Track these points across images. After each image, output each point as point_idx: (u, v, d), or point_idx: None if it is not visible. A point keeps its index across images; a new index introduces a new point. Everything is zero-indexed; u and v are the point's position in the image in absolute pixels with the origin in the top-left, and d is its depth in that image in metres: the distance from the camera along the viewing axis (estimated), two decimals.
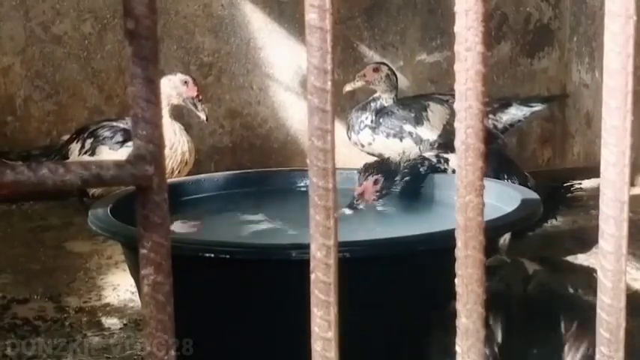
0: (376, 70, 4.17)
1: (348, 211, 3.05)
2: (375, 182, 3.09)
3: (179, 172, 3.72)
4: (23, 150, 4.13)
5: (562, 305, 1.47)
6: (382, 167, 3.16)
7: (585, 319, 1.43)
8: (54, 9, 4.67)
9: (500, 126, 4.20)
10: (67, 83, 4.73)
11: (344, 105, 4.49)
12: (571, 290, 1.57)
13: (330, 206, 0.66)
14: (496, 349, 1.43)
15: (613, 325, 0.69)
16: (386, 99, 4.16)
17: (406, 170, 3.17)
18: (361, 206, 3.09)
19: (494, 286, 1.54)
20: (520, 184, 3.22)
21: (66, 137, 4.03)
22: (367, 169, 3.13)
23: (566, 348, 1.41)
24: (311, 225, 0.66)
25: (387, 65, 4.29)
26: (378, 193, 3.10)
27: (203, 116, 3.80)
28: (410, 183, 3.16)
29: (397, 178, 3.14)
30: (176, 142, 3.70)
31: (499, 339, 1.43)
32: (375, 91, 4.20)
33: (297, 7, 4.74)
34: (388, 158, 3.28)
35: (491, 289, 1.62)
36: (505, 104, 4.28)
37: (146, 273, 0.63)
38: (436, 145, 3.46)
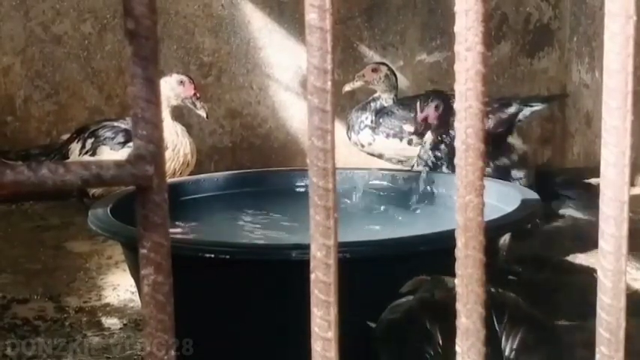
0: (375, 70, 4.17)
1: (416, 138, 3.18)
2: (437, 107, 3.22)
3: (181, 173, 3.72)
4: (22, 149, 4.12)
5: (491, 302, 1.59)
6: (443, 97, 3.30)
7: (514, 311, 1.53)
8: (54, 9, 4.67)
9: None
10: (67, 83, 4.73)
11: (344, 105, 4.49)
12: (493, 289, 1.67)
13: (330, 206, 0.66)
14: (438, 347, 1.51)
15: (613, 325, 0.69)
16: (386, 99, 4.16)
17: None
18: (424, 130, 3.24)
19: (421, 296, 1.66)
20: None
21: (66, 137, 4.02)
22: (428, 96, 3.28)
23: (503, 336, 1.51)
24: (311, 225, 0.66)
25: (387, 65, 4.28)
26: (440, 119, 3.21)
27: (203, 114, 3.80)
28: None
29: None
30: (178, 144, 3.70)
31: (439, 339, 1.51)
32: (375, 91, 4.20)
33: (297, 7, 4.74)
34: (444, 92, 3.41)
35: (419, 299, 1.68)
36: (505, 104, 4.27)
37: (146, 273, 0.63)
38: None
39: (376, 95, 4.18)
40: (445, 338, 1.51)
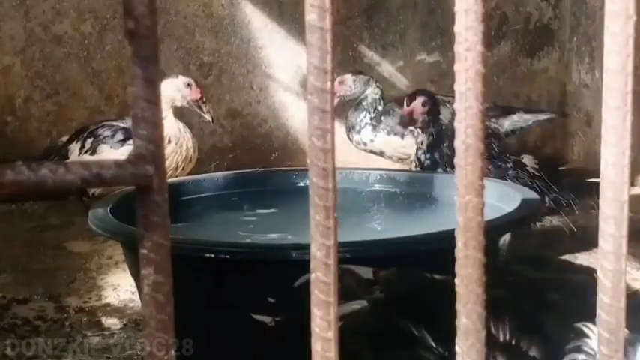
0: (341, 82, 4.12)
1: (398, 129, 3.26)
2: (424, 104, 3.25)
3: (183, 168, 3.78)
4: (24, 155, 4.14)
5: None
6: (432, 97, 3.34)
7: (498, 304, 1.54)
8: (54, 9, 4.67)
9: (502, 131, 4.23)
10: (67, 83, 4.73)
11: (345, 105, 4.49)
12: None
13: (330, 206, 0.66)
14: (435, 350, 1.51)
15: (613, 324, 0.69)
16: (370, 93, 4.16)
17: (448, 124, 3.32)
18: (407, 124, 3.33)
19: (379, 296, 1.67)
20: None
21: (66, 138, 4.04)
22: (417, 92, 3.32)
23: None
24: (311, 225, 0.66)
25: (351, 73, 4.25)
26: (425, 115, 3.25)
27: (208, 117, 3.90)
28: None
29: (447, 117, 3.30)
30: (181, 138, 3.78)
31: (431, 341, 1.50)
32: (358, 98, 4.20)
33: (297, 7, 4.74)
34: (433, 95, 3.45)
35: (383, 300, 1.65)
36: (508, 111, 4.32)
37: (146, 273, 0.63)
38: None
39: (362, 97, 4.19)
40: (437, 339, 1.49)
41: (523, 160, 3.42)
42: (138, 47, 0.61)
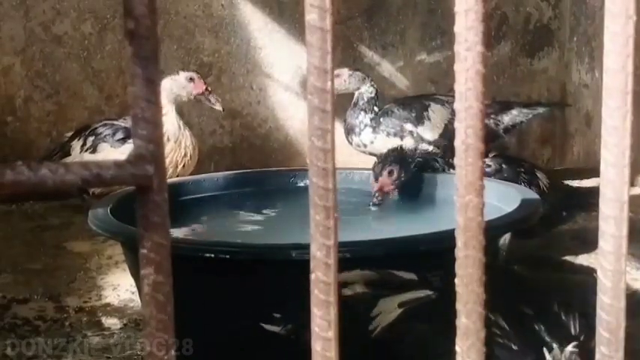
0: (337, 75, 4.12)
1: (373, 208, 3.12)
2: (390, 173, 3.13)
3: (183, 166, 3.79)
4: (24, 155, 4.16)
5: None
6: (396, 157, 3.19)
7: None
8: (54, 9, 4.67)
9: (502, 126, 4.22)
10: (67, 83, 4.73)
11: (345, 105, 4.49)
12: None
13: (330, 206, 0.66)
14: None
15: (613, 324, 0.69)
16: (365, 91, 4.14)
17: (420, 160, 3.22)
18: (382, 200, 3.13)
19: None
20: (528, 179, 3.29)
21: (69, 134, 4.07)
22: (381, 162, 3.18)
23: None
24: (311, 225, 0.66)
25: (348, 68, 4.24)
26: (396, 182, 3.14)
27: (219, 107, 3.95)
28: (419, 175, 3.21)
29: (411, 166, 3.19)
30: (180, 136, 3.79)
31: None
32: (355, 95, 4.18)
33: (297, 7, 4.74)
34: (400, 147, 3.32)
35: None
36: (506, 107, 4.30)
37: (146, 273, 0.63)
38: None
39: (357, 96, 4.17)
40: (510, 324, 1.55)
41: (537, 174, 3.41)
42: (138, 47, 0.61)
